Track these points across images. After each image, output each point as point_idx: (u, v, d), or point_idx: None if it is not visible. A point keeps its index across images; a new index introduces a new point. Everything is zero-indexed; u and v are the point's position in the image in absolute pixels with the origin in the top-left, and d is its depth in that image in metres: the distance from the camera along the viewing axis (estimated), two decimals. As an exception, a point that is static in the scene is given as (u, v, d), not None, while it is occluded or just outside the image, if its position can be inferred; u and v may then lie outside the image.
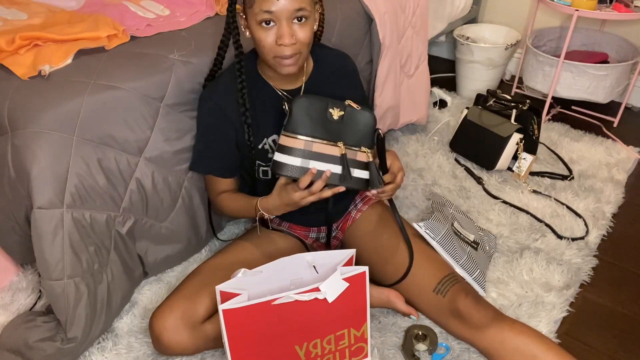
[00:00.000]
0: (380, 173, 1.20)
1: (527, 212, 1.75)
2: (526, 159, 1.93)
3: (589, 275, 1.53)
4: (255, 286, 1.11)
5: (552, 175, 1.94)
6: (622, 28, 2.36)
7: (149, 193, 1.28)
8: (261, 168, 1.30)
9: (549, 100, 2.24)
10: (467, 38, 2.55)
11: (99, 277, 1.22)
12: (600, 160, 2.03)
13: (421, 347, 1.29)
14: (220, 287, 1.06)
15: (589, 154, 2.06)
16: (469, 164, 2.01)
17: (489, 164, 1.94)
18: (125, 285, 1.31)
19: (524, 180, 1.92)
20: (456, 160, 2.04)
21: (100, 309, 1.23)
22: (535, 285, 1.47)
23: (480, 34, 2.61)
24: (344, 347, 1.20)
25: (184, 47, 1.32)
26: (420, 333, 1.31)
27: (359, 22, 1.70)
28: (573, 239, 1.64)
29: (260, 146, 1.27)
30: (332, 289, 1.10)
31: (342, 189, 1.13)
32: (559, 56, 2.14)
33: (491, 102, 2.03)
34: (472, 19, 2.66)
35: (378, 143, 1.20)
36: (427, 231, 1.39)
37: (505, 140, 1.89)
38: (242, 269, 1.10)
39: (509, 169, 1.97)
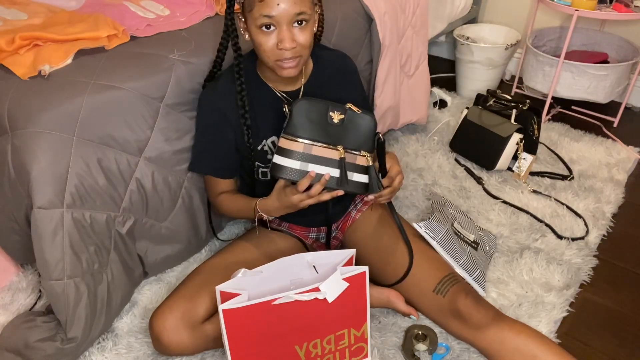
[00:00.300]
0: (380, 177, 1.20)
1: (527, 212, 1.75)
2: (526, 159, 1.93)
3: (589, 275, 1.53)
4: (255, 286, 1.11)
5: (552, 175, 1.94)
6: (622, 28, 2.36)
7: (149, 193, 1.28)
8: (260, 169, 1.30)
9: (549, 100, 2.24)
10: (467, 38, 2.55)
11: (99, 277, 1.22)
12: (600, 160, 2.03)
13: (421, 347, 1.29)
14: (220, 287, 1.07)
15: (589, 154, 2.06)
16: (469, 164, 2.01)
17: (489, 164, 1.94)
18: (125, 285, 1.31)
19: (524, 180, 1.92)
20: (456, 160, 2.04)
21: (100, 309, 1.23)
22: (535, 285, 1.47)
23: (480, 34, 2.61)
24: (344, 347, 1.20)
25: (184, 47, 1.32)
26: (420, 333, 1.31)
27: (359, 22, 1.70)
28: (573, 239, 1.64)
29: (259, 147, 1.27)
30: (332, 289, 1.10)
31: (340, 192, 1.13)
32: (559, 56, 2.14)
33: (491, 102, 2.03)
34: (472, 19, 2.66)
35: (378, 147, 1.20)
36: (427, 231, 1.39)
37: (505, 140, 1.89)
38: (242, 269, 1.10)
39: (509, 169, 1.97)
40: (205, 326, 1.22)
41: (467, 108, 2.07)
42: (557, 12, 2.48)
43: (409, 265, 1.31)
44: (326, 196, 1.12)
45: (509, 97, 2.01)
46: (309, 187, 1.10)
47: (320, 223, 1.42)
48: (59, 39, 1.25)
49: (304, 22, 1.09)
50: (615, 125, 2.29)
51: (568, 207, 1.77)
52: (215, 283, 1.18)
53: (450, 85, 2.62)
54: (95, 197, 1.18)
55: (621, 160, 2.03)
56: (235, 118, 1.22)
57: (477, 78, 2.46)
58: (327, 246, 1.44)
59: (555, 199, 1.81)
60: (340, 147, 1.13)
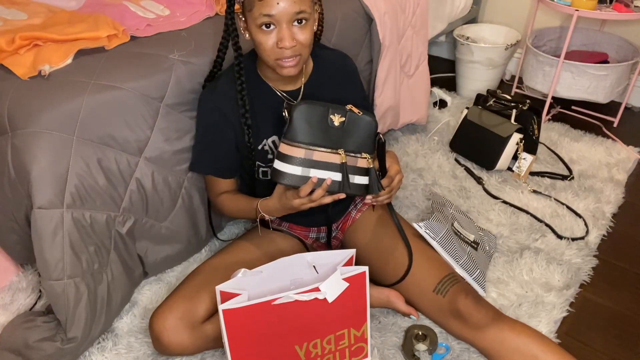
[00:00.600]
0: (380, 178, 1.19)
1: (527, 212, 1.75)
2: (526, 159, 1.93)
3: (589, 275, 1.53)
4: (255, 286, 1.11)
5: (552, 175, 1.94)
6: (622, 28, 2.36)
7: (149, 193, 1.28)
8: (261, 169, 1.30)
9: (549, 100, 2.24)
10: (467, 38, 2.55)
11: (99, 277, 1.22)
12: (600, 160, 2.03)
13: (421, 347, 1.29)
14: (220, 287, 1.07)
15: (589, 154, 2.06)
16: (469, 164, 2.01)
17: (489, 164, 1.94)
18: (125, 285, 1.31)
19: (524, 180, 1.92)
20: (456, 160, 2.04)
21: (100, 309, 1.23)
22: (535, 285, 1.47)
23: (480, 34, 2.61)
24: (344, 347, 1.20)
25: (184, 47, 1.32)
26: (420, 333, 1.31)
27: (359, 22, 1.70)
28: (573, 239, 1.64)
29: (259, 147, 1.27)
30: (332, 289, 1.10)
31: (342, 195, 1.13)
32: (559, 56, 2.14)
33: (491, 102, 2.03)
34: (472, 19, 2.66)
35: (379, 147, 1.19)
36: (427, 231, 1.39)
37: (505, 140, 1.89)
38: (242, 269, 1.10)
39: (509, 169, 1.97)
40: (205, 326, 1.22)
41: (467, 108, 2.07)
42: (557, 12, 2.48)
43: (409, 265, 1.31)
44: (327, 199, 1.12)
45: (509, 97, 2.01)
46: (311, 192, 1.10)
47: (320, 223, 1.42)
48: (59, 39, 1.25)
49: (303, 21, 1.09)
50: (615, 125, 2.29)
51: (568, 207, 1.77)
52: (215, 283, 1.18)
53: (450, 85, 2.62)
54: (95, 197, 1.18)
55: (621, 160, 2.03)
56: (236, 118, 1.22)
57: (477, 78, 2.46)
58: (328, 246, 1.44)
59: (555, 199, 1.81)
60: (341, 151, 1.13)
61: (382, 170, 1.22)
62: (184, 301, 1.21)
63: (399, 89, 1.92)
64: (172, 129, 1.29)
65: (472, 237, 1.51)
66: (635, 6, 2.06)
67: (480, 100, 2.08)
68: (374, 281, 1.37)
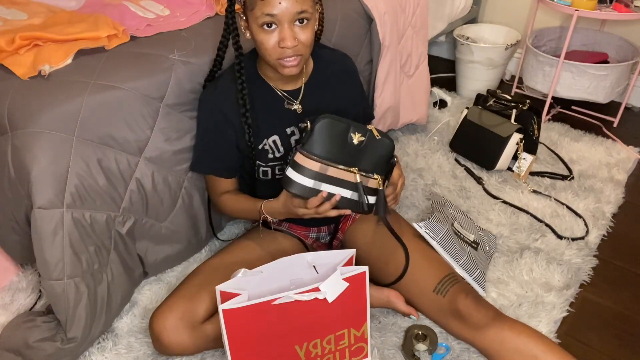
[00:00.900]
0: (387, 201, 1.20)
1: (527, 212, 1.75)
2: (526, 159, 1.93)
3: (589, 275, 1.53)
4: (255, 286, 1.11)
5: (552, 175, 1.94)
6: (622, 28, 2.36)
7: (149, 193, 1.28)
8: (261, 168, 1.30)
9: (549, 100, 2.24)
10: (467, 38, 2.55)
11: (99, 277, 1.22)
12: (600, 160, 2.03)
13: (421, 347, 1.29)
14: (220, 287, 1.07)
15: (589, 154, 2.06)
16: (469, 164, 2.01)
17: (489, 164, 1.94)
18: (125, 285, 1.31)
19: (524, 180, 1.92)
20: (456, 160, 2.04)
21: (100, 309, 1.23)
22: (535, 285, 1.47)
23: (480, 34, 2.61)
24: (344, 347, 1.20)
25: (184, 47, 1.32)
26: (420, 333, 1.31)
27: (359, 22, 1.70)
28: (573, 239, 1.64)
29: (260, 147, 1.27)
30: (332, 289, 1.10)
31: (348, 211, 1.14)
32: (559, 56, 2.14)
33: (491, 102, 2.03)
34: (472, 19, 2.65)
35: (390, 168, 1.20)
36: (427, 231, 1.39)
37: (505, 140, 1.89)
38: (242, 269, 1.10)
39: (509, 169, 1.97)
40: (205, 326, 1.22)
41: (467, 108, 2.07)
42: (557, 12, 2.48)
43: (405, 265, 1.31)
44: (333, 213, 1.13)
45: (509, 97, 2.01)
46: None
47: (320, 223, 1.42)
48: (59, 39, 1.25)
49: (305, 21, 1.09)
50: (615, 125, 2.29)
51: (568, 207, 1.77)
52: (215, 283, 1.18)
53: (450, 85, 2.62)
54: (95, 197, 1.18)
55: (621, 160, 2.03)
56: (236, 117, 1.22)
57: (477, 78, 2.46)
58: (331, 246, 1.44)
59: (555, 199, 1.81)
60: (355, 170, 1.12)
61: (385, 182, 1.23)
62: (184, 301, 1.21)
63: (399, 89, 1.92)
64: (172, 129, 1.29)
65: (472, 237, 1.51)
66: (635, 6, 2.06)
67: (480, 100, 2.08)
68: (374, 281, 1.37)
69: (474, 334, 1.23)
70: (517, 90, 2.54)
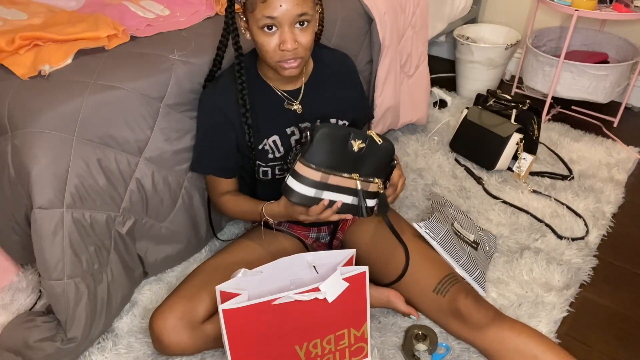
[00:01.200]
0: (387, 203, 1.21)
1: (527, 212, 1.75)
2: (526, 159, 1.93)
3: (589, 275, 1.53)
4: (255, 286, 1.11)
5: (552, 175, 1.94)
6: (622, 28, 2.36)
7: (149, 193, 1.28)
8: (261, 168, 1.30)
9: (549, 100, 2.24)
10: (467, 38, 2.55)
11: (99, 277, 1.22)
12: (600, 160, 2.03)
13: (421, 347, 1.29)
14: (220, 287, 1.07)
15: (589, 154, 2.06)
16: (469, 164, 2.01)
17: (489, 164, 1.94)
18: (125, 285, 1.31)
19: (524, 180, 1.92)
20: (456, 160, 2.04)
21: (100, 309, 1.23)
22: (535, 285, 1.47)
23: (480, 34, 2.61)
24: (344, 347, 1.20)
25: (184, 47, 1.32)
26: (420, 333, 1.31)
27: (359, 22, 1.70)
28: (573, 239, 1.64)
29: (260, 147, 1.27)
30: (332, 289, 1.10)
31: (349, 216, 1.15)
32: (559, 56, 2.14)
33: (491, 102, 2.03)
34: (472, 19, 2.65)
35: (390, 170, 1.20)
36: (427, 231, 1.39)
37: (505, 140, 1.89)
38: (242, 269, 1.10)
39: (509, 169, 1.97)
40: (205, 326, 1.22)
41: (467, 108, 2.07)
42: (557, 12, 2.48)
43: (406, 265, 1.31)
44: (334, 217, 1.14)
45: (509, 97, 2.01)
46: None
47: (320, 223, 1.42)
48: (59, 39, 1.25)
49: (305, 23, 1.09)
50: (615, 125, 2.29)
51: (568, 207, 1.77)
52: (215, 283, 1.18)
53: (450, 85, 2.62)
54: (95, 197, 1.18)
55: (621, 160, 2.03)
56: (236, 117, 1.22)
57: (477, 78, 2.46)
58: (330, 246, 1.44)
59: (555, 199, 1.81)
60: (356, 176, 1.12)
61: (385, 183, 1.23)
62: (184, 301, 1.21)
63: (399, 89, 1.92)
64: (172, 129, 1.29)
65: (472, 237, 1.51)
66: (635, 6, 2.06)
67: (480, 100, 2.08)
68: (374, 281, 1.37)
69: (474, 334, 1.23)
70: (517, 90, 2.54)
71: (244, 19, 1.13)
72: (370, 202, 1.17)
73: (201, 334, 1.21)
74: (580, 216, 1.73)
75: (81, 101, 1.14)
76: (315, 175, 1.09)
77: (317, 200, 1.10)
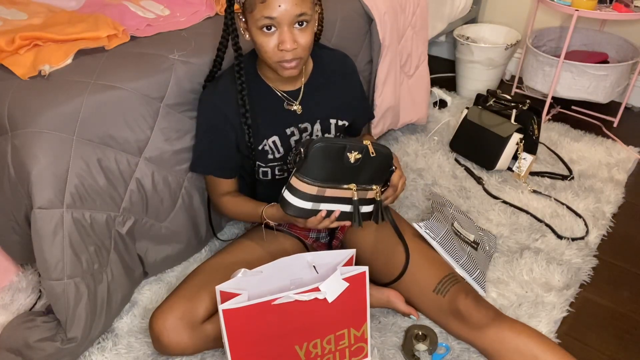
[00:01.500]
0: (385, 210, 1.22)
1: (527, 212, 1.75)
2: (526, 159, 1.93)
3: (589, 275, 1.53)
4: (255, 286, 1.11)
5: (552, 175, 1.94)
6: (622, 28, 2.36)
7: (149, 193, 1.28)
8: (261, 169, 1.30)
9: (549, 100, 2.24)
10: (467, 38, 2.55)
11: (99, 277, 1.22)
12: (600, 160, 2.03)
13: (421, 347, 1.29)
14: (220, 287, 1.07)
15: (589, 154, 2.06)
16: (469, 164, 2.01)
17: (489, 164, 1.94)
18: (125, 285, 1.31)
19: (524, 180, 1.92)
20: (456, 160, 2.04)
21: (100, 309, 1.23)
22: (535, 285, 1.47)
23: (480, 34, 2.61)
24: (344, 347, 1.20)
25: (184, 47, 1.32)
26: (420, 333, 1.31)
27: (359, 22, 1.70)
28: (573, 239, 1.64)
29: (260, 147, 1.27)
30: (332, 289, 1.10)
31: (348, 223, 1.17)
32: (559, 56, 2.14)
33: (491, 102, 2.03)
34: (472, 19, 2.66)
35: (389, 175, 1.21)
36: (427, 231, 1.39)
37: (505, 140, 1.89)
38: (242, 269, 1.10)
39: (509, 169, 1.97)
40: (205, 326, 1.22)
41: (467, 108, 2.07)
42: (557, 12, 2.48)
43: (405, 264, 1.31)
44: (333, 225, 1.16)
45: (509, 97, 2.01)
46: None
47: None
48: (59, 39, 1.25)
49: (304, 23, 1.09)
50: (615, 125, 2.29)
51: (568, 207, 1.77)
52: (215, 283, 1.18)
53: (450, 85, 2.62)
54: (95, 197, 1.18)
55: (621, 160, 2.03)
56: (236, 118, 1.22)
57: (477, 78, 2.46)
58: (330, 246, 1.44)
59: (555, 199, 1.81)
60: (353, 187, 1.13)
61: (385, 184, 1.24)
62: (184, 301, 1.21)
63: (399, 89, 1.92)
64: (172, 129, 1.29)
65: (472, 237, 1.51)
66: (635, 6, 2.06)
67: (480, 100, 2.08)
68: (374, 281, 1.37)
69: (474, 334, 1.23)
70: (517, 90, 2.54)
71: (243, 19, 1.13)
72: (368, 208, 1.18)
73: (201, 334, 1.21)
74: (580, 216, 1.73)
75: (81, 101, 1.14)
76: (312, 189, 1.09)
77: (314, 212, 1.11)
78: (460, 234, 1.48)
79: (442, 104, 2.43)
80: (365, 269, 1.13)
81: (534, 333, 1.19)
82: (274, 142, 1.27)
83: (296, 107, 1.27)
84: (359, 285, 1.14)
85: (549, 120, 2.30)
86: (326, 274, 1.14)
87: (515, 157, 1.94)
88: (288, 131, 1.28)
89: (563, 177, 1.93)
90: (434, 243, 1.38)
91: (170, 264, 1.48)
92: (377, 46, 1.75)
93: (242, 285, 1.09)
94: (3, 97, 1.13)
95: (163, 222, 1.35)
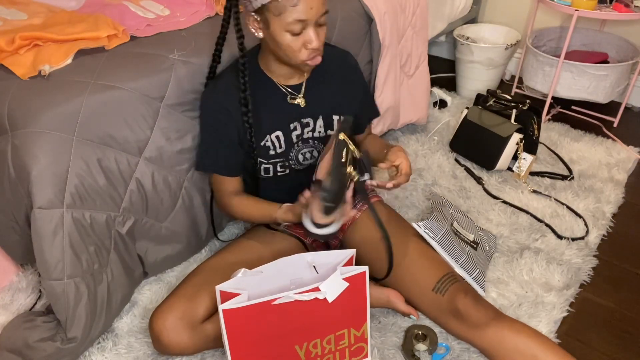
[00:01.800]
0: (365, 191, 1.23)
1: (527, 212, 1.75)
2: (526, 159, 1.93)
3: (589, 275, 1.53)
4: (255, 286, 1.11)
5: (552, 175, 1.94)
6: (622, 28, 2.36)
7: (149, 193, 1.28)
8: (263, 166, 1.30)
9: (549, 100, 2.24)
10: (467, 38, 2.55)
11: (99, 277, 1.22)
12: (600, 160, 2.03)
13: (421, 347, 1.29)
14: (220, 287, 1.06)
15: (589, 154, 2.06)
16: (469, 164, 2.01)
17: (489, 164, 1.94)
18: (125, 285, 1.31)
19: (524, 180, 1.92)
20: (456, 160, 2.04)
21: (100, 309, 1.23)
22: (535, 285, 1.47)
23: (480, 34, 2.61)
24: (344, 347, 1.20)
25: (184, 47, 1.32)
26: (420, 333, 1.31)
27: (359, 22, 1.70)
28: (573, 239, 1.64)
29: (262, 143, 1.27)
30: (332, 288, 1.10)
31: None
32: (559, 56, 2.14)
33: (491, 102, 2.03)
34: (472, 19, 2.66)
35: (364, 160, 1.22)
36: (427, 231, 1.39)
37: (505, 140, 1.89)
38: (242, 269, 1.10)
39: (509, 169, 1.97)
40: (205, 326, 1.22)
41: (467, 108, 2.07)
42: (557, 12, 2.48)
43: (390, 257, 1.30)
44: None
45: (509, 97, 2.01)
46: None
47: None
48: (59, 39, 1.25)
49: (324, 21, 1.12)
50: (615, 125, 2.29)
51: (568, 207, 1.77)
52: (215, 283, 1.18)
53: (450, 85, 2.62)
54: (95, 197, 1.18)
55: (621, 160, 2.03)
56: (239, 114, 1.22)
57: (477, 78, 2.46)
58: (330, 246, 1.44)
59: (555, 199, 1.81)
60: (354, 176, 1.15)
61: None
62: (184, 301, 1.21)
63: (399, 89, 1.92)
64: (172, 129, 1.29)
65: (471, 237, 1.51)
66: (635, 6, 2.06)
67: (480, 100, 2.08)
68: (374, 277, 1.38)
69: (473, 333, 1.23)
70: (517, 90, 2.54)
71: (259, 18, 1.11)
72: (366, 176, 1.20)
73: (201, 334, 1.21)
74: (580, 216, 1.73)
75: (81, 101, 1.14)
76: (337, 216, 1.14)
77: (337, 231, 1.16)
78: (460, 233, 1.48)
79: (442, 104, 2.43)
80: (365, 269, 1.13)
81: (533, 333, 1.19)
82: (277, 137, 1.27)
83: (299, 100, 1.27)
84: (359, 285, 1.14)
85: (549, 120, 2.30)
86: (326, 274, 1.14)
87: (515, 157, 1.94)
88: (291, 126, 1.28)
89: (563, 177, 1.93)
90: (433, 243, 1.38)
91: (170, 264, 1.48)
92: (377, 46, 1.75)
93: (242, 285, 1.09)
94: (3, 97, 1.13)
95: (163, 222, 1.35)
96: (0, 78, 1.17)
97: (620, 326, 1.40)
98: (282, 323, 1.11)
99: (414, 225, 1.40)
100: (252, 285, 1.11)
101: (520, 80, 2.51)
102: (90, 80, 1.18)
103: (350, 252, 1.17)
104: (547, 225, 1.70)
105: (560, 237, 1.65)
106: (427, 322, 1.36)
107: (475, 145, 1.98)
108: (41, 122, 1.10)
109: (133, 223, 1.28)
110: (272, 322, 1.10)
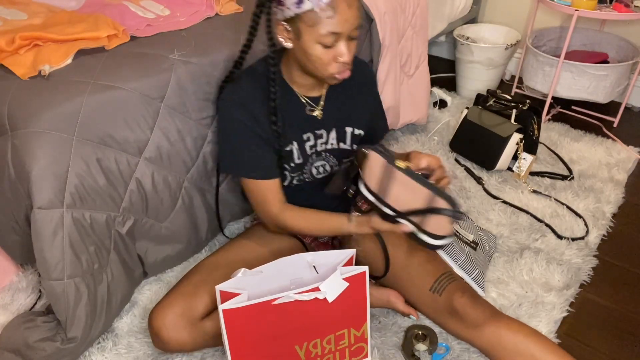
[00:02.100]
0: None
1: (527, 212, 1.75)
2: (526, 159, 1.93)
3: (589, 275, 1.53)
4: (255, 286, 1.11)
5: (552, 175, 1.94)
6: (622, 28, 2.36)
7: (148, 193, 1.28)
8: (285, 172, 1.27)
9: (549, 100, 2.24)
10: (467, 38, 2.55)
11: (99, 277, 1.22)
12: (600, 160, 2.03)
13: (421, 347, 1.29)
14: (220, 287, 1.07)
15: (589, 154, 2.06)
16: (469, 164, 2.01)
17: (489, 164, 1.94)
18: (125, 285, 1.31)
19: (524, 180, 1.92)
20: (456, 160, 2.04)
21: (100, 309, 1.23)
22: (535, 285, 1.47)
23: (480, 34, 2.61)
24: (344, 347, 1.20)
25: (184, 47, 1.32)
26: (420, 333, 1.31)
27: (359, 22, 1.70)
28: (573, 239, 1.64)
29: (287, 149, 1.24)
30: (332, 288, 1.10)
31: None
32: (559, 56, 2.14)
33: (491, 102, 2.04)
34: (472, 19, 2.66)
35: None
36: (427, 231, 1.38)
37: (505, 140, 1.89)
38: (242, 269, 1.10)
39: (509, 169, 1.97)
40: (205, 323, 1.22)
41: (467, 108, 2.07)
42: (557, 12, 2.48)
43: (385, 254, 1.30)
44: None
45: (509, 97, 2.01)
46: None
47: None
48: (59, 39, 1.25)
49: (355, 34, 1.09)
50: (615, 125, 2.29)
51: (568, 207, 1.77)
52: (214, 280, 1.18)
53: (450, 85, 2.62)
54: (95, 197, 1.18)
55: (621, 160, 2.03)
56: (265, 119, 1.18)
57: (477, 78, 2.46)
58: (329, 245, 1.44)
59: (555, 199, 1.81)
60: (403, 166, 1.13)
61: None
62: (183, 298, 1.21)
63: (399, 89, 1.92)
64: (172, 129, 1.29)
65: (471, 237, 1.51)
66: (635, 6, 2.06)
67: (480, 100, 2.08)
68: (373, 276, 1.38)
69: (472, 333, 1.23)
70: (517, 90, 2.54)
71: (289, 28, 1.08)
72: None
73: (200, 331, 1.21)
74: (580, 216, 1.73)
75: (81, 101, 1.14)
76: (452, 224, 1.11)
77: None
78: (459, 234, 1.48)
79: (442, 104, 2.43)
80: (365, 269, 1.13)
81: (531, 332, 1.19)
82: (297, 148, 1.25)
83: (317, 113, 1.25)
84: (359, 285, 1.14)
85: (549, 120, 2.30)
86: (326, 274, 1.14)
87: (515, 157, 1.94)
88: (304, 136, 1.26)
89: (563, 177, 1.93)
90: (433, 243, 1.38)
91: (170, 264, 1.48)
92: (377, 46, 1.75)
93: (242, 285, 1.09)
94: (3, 97, 1.14)
95: (163, 222, 1.35)
96: (0, 78, 1.17)
97: (620, 326, 1.40)
98: (282, 323, 1.11)
99: (414, 225, 1.40)
100: (252, 285, 1.11)
101: (520, 80, 2.52)
102: (90, 80, 1.18)
103: (350, 252, 1.17)
104: (547, 225, 1.70)
105: (560, 237, 1.65)
106: (427, 322, 1.36)
107: (475, 145, 1.98)
108: (41, 122, 1.10)
109: (133, 223, 1.28)
110: (272, 322, 1.10)
